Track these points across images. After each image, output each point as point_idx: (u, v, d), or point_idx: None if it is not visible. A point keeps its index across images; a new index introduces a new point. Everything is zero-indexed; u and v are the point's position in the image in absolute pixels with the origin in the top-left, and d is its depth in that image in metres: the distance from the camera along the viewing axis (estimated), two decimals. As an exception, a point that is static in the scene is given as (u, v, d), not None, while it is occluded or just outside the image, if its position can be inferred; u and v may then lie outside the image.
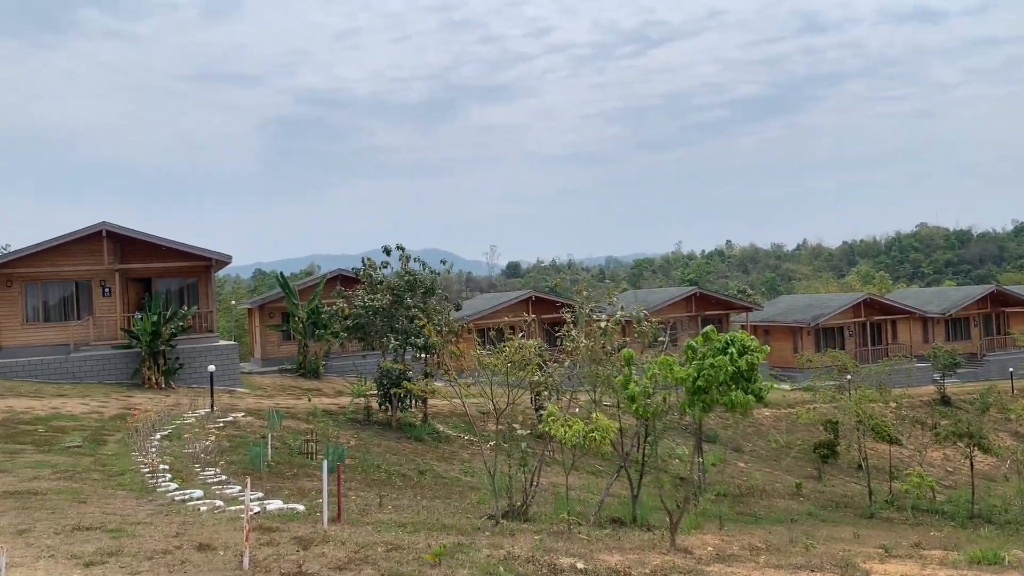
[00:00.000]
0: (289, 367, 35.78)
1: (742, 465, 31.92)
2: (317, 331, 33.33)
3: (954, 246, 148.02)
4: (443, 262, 27.15)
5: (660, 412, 10.46)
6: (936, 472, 34.08)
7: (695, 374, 9.97)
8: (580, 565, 8.15)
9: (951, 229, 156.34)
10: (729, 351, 9.93)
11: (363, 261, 26.00)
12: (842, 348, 43.49)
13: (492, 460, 12.81)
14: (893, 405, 32.85)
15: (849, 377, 33.42)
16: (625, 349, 10.75)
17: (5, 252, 29.58)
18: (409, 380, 19.28)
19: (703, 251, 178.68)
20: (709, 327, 10.35)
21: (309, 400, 27.24)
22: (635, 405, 10.32)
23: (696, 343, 10.24)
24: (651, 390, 10.30)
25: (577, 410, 14.46)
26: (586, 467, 27.07)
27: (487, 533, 10.25)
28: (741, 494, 27.05)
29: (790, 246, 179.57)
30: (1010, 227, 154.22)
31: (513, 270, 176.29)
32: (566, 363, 13.78)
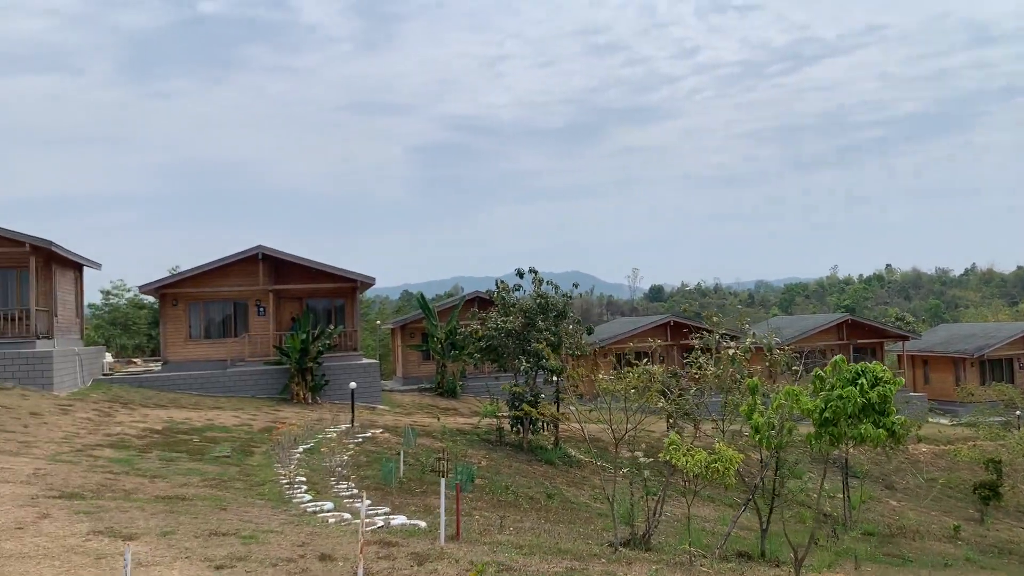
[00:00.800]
0: (428, 386, 36.78)
1: (894, 503, 29.97)
2: (454, 351, 34.12)
3: None
4: (575, 285, 27.16)
5: (785, 443, 10.01)
6: None
7: (822, 405, 9.51)
8: (691, 598, 7.92)
9: None
10: (859, 382, 9.41)
11: (497, 284, 26.44)
12: (1010, 382, 40.09)
13: (612, 487, 12.65)
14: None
15: (1018, 413, 30.84)
16: (751, 378, 10.37)
17: (173, 274, 32.07)
18: (535, 403, 19.35)
19: (860, 275, 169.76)
20: (838, 356, 9.85)
21: (438, 419, 27.93)
22: (759, 436, 9.94)
23: (825, 373, 9.77)
24: (775, 421, 9.89)
25: (700, 439, 14.05)
26: (724, 499, 26.24)
27: (603, 560, 10.14)
28: (891, 534, 25.38)
29: (957, 271, 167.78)
30: None
31: (656, 294, 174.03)
32: (692, 390, 13.45)
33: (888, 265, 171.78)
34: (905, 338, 43.35)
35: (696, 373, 13.79)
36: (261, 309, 31.29)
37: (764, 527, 12.73)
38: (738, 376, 13.16)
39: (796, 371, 15.60)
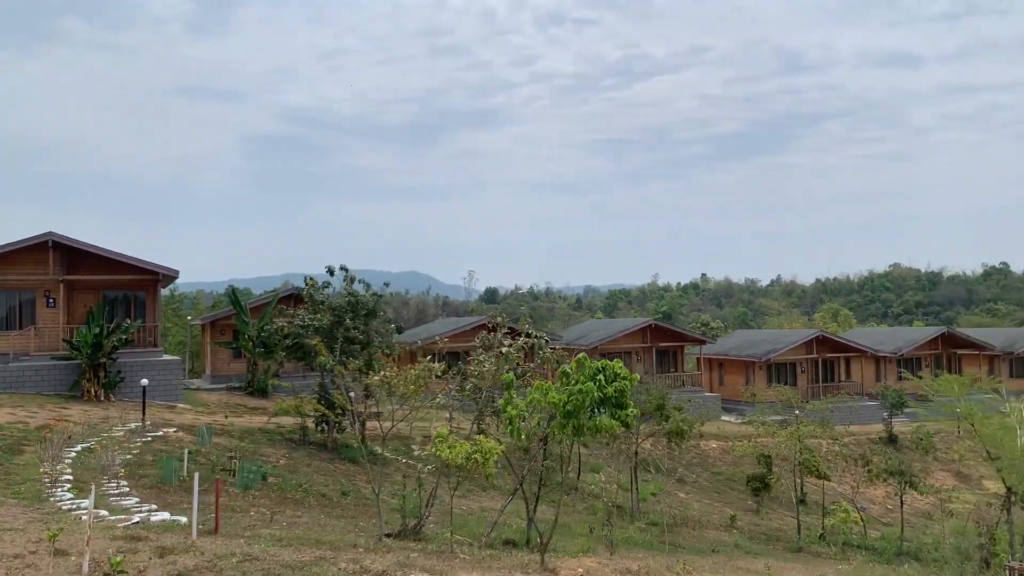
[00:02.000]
0: (237, 385, 35.73)
1: (683, 495, 32.17)
2: (264, 349, 33.38)
3: (925, 287, 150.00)
4: (386, 284, 27.38)
5: (534, 435, 10.72)
6: (876, 510, 34.51)
7: (566, 399, 10.27)
8: (424, 580, 8.37)
9: (923, 271, 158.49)
10: (598, 378, 10.25)
11: (305, 281, 26.20)
12: (794, 384, 44.01)
13: (378, 481, 12.99)
14: (830, 442, 33.34)
15: (797, 412, 33.85)
16: (506, 374, 11.01)
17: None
18: (332, 404, 19.37)
19: (679, 284, 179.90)
20: (581, 354, 10.66)
21: (225, 416, 27.41)
22: (511, 427, 10.59)
23: (570, 369, 10.55)
24: (526, 413, 10.58)
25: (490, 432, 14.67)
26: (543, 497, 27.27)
27: (360, 550, 10.44)
28: (674, 523, 27.25)
29: (764, 282, 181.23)
30: (980, 270, 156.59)
31: (491, 296, 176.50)
32: (467, 386, 14.03)
33: (703, 274, 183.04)
34: (703, 342, 46.62)
35: (474, 370, 14.39)
36: (51, 300, 29.30)
37: (531, 516, 13.49)
38: (517, 372, 13.85)
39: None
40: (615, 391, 10.28)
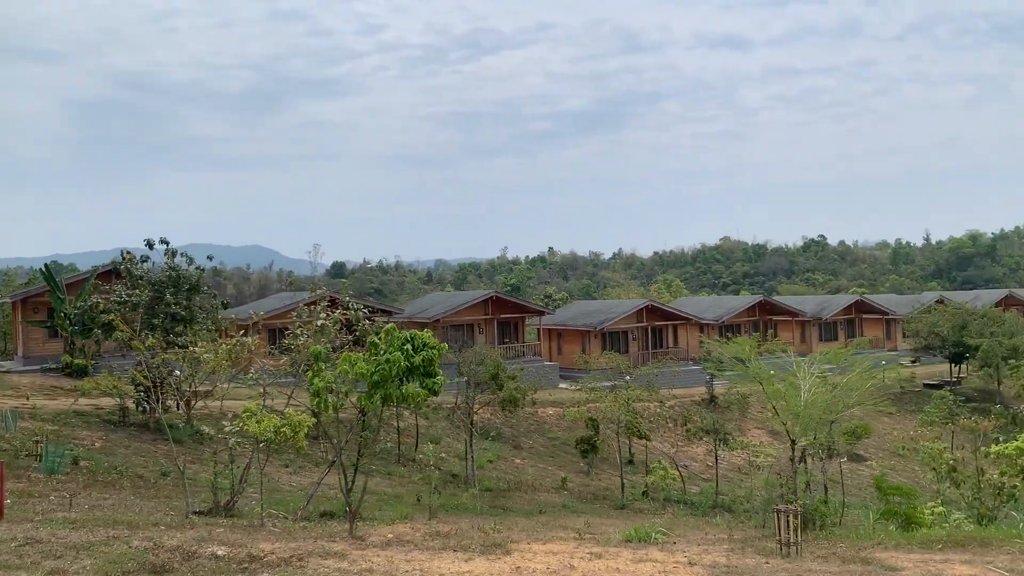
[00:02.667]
0: (54, 366, 33.54)
1: (519, 461, 33.18)
2: (82, 328, 31.47)
3: (751, 259, 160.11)
4: (209, 258, 26.45)
5: (341, 406, 10.83)
6: (697, 467, 36.89)
7: (373, 369, 10.43)
8: (220, 552, 8.36)
9: (749, 243, 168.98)
10: (405, 348, 10.47)
11: (122, 255, 24.88)
12: (626, 351, 46.14)
13: (183, 458, 12.73)
14: (657, 404, 35.27)
15: (628, 378, 35.51)
16: (315, 346, 11.04)
17: None
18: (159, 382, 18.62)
19: (527, 257, 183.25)
20: (390, 325, 10.85)
21: (28, 399, 25.84)
22: (318, 400, 10.65)
23: (379, 340, 10.70)
24: (334, 385, 10.66)
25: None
26: (363, 467, 27.31)
27: (161, 528, 10.24)
28: (508, 488, 28.15)
29: (607, 255, 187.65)
30: (800, 243, 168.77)
31: (338, 270, 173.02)
32: (282, 360, 13.93)
33: (550, 248, 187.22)
34: (541, 313, 48.01)
35: (290, 343, 14.29)
36: None
37: (348, 487, 13.59)
38: (331, 347, 13.80)
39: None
40: (423, 360, 10.54)
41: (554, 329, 49.08)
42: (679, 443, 36.39)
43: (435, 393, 10.74)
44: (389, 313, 43.70)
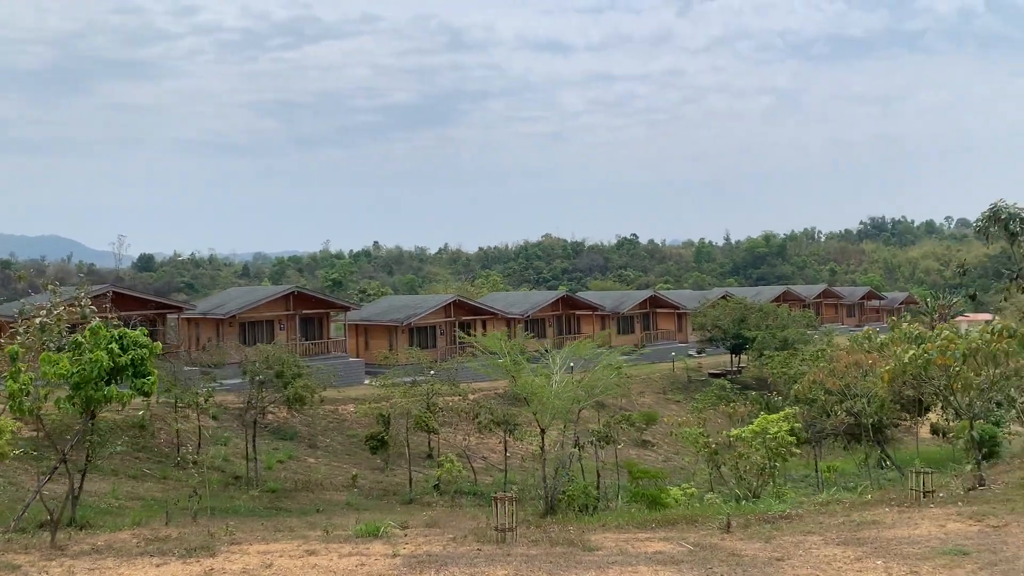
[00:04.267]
0: None
1: (312, 460, 32.59)
2: None
3: (570, 256, 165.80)
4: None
5: (35, 409, 10.18)
6: (495, 457, 37.75)
7: (74, 370, 9.88)
8: None
9: (568, 241, 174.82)
10: (111, 347, 9.99)
11: None
12: (434, 346, 46.44)
13: None
14: (458, 398, 35.74)
15: (432, 372, 35.68)
16: (11, 346, 10.30)
17: None
18: None
19: (351, 251, 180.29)
20: (96, 323, 10.32)
21: None
22: (13, 402, 9.96)
23: (84, 338, 10.16)
24: (30, 388, 10.00)
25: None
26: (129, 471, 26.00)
27: None
28: (295, 488, 27.61)
29: (433, 250, 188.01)
30: (614, 240, 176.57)
31: (146, 263, 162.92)
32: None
33: (375, 242, 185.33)
34: (347, 308, 47.41)
35: (4, 343, 13.23)
36: None
37: (75, 494, 12.85)
38: (53, 346, 12.91)
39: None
40: (132, 359, 10.10)
41: (361, 325, 48.58)
42: (481, 436, 37.07)
43: (146, 394, 10.34)
44: (179, 309, 41.63)
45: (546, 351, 18.25)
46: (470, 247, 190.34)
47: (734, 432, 19.38)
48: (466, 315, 49.14)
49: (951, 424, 28.49)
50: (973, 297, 33.59)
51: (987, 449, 17.68)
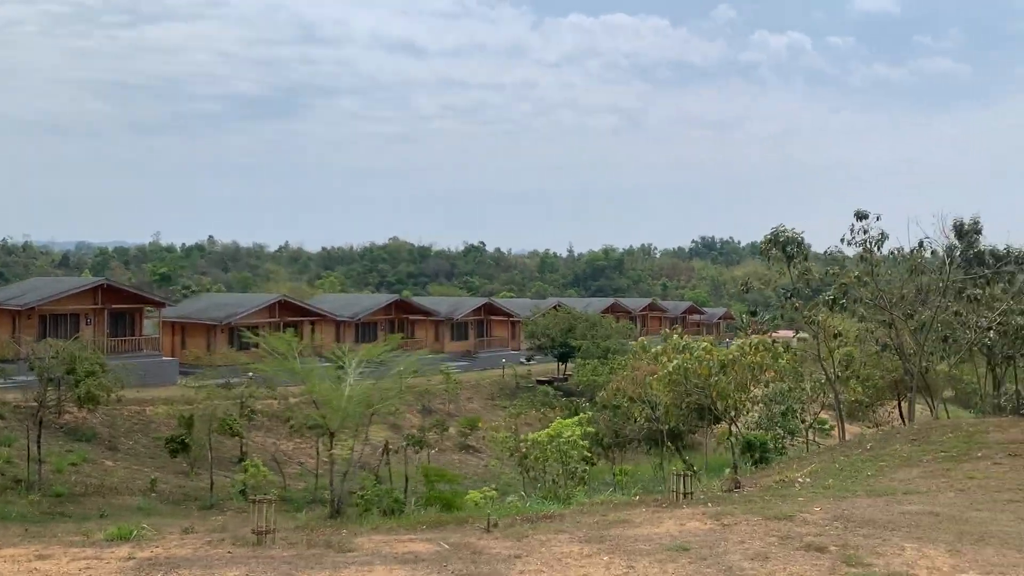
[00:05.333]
0: None
1: (111, 463, 30.79)
2: None
3: (416, 260, 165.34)
4: None
5: None
6: (313, 463, 37.02)
7: None
8: None
9: (415, 245, 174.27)
10: None
11: None
12: (256, 347, 44.95)
13: None
14: (277, 401, 34.82)
15: (250, 374, 34.46)
16: None
17: None
18: None
19: (184, 244, 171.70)
20: None
21: None
22: None
23: None
24: None
25: None
26: None
27: None
28: (85, 493, 26.01)
29: (273, 247, 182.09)
30: (462, 247, 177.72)
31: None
32: None
33: (210, 236, 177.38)
34: (161, 305, 45.06)
35: None
36: None
37: None
38: None
39: None
40: None
41: (178, 323, 46.33)
42: (299, 440, 36.21)
43: None
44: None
45: (344, 354, 18.06)
46: (313, 246, 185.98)
47: (531, 436, 19.93)
48: (293, 316, 47.90)
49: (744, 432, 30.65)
50: (754, 314, 36.25)
51: (758, 454, 19.07)
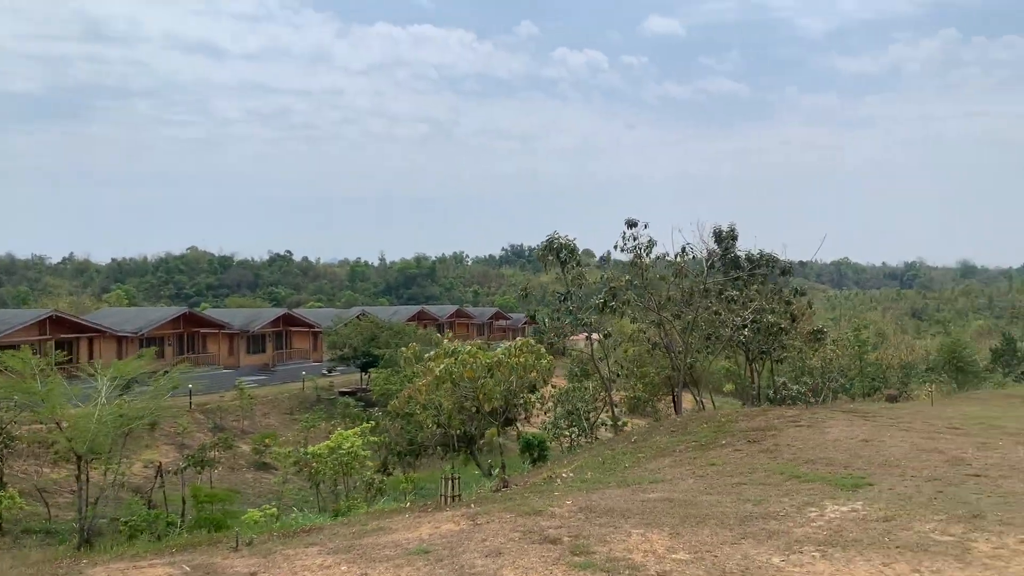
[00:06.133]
0: None
1: None
2: None
3: (216, 271, 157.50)
4: None
5: None
6: (94, 491, 34.13)
7: None
8: None
9: (216, 255, 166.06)
10: None
11: None
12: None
13: None
14: (40, 427, 31.74)
15: (17, 397, 31.12)
16: None
17: None
18: None
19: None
20: None
21: None
22: None
23: None
24: None
25: None
26: None
27: None
28: None
29: (55, 259, 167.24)
30: (267, 256, 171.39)
31: None
32: None
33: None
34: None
35: None
36: None
37: None
38: None
39: None
40: None
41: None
42: (71, 467, 33.21)
43: None
44: None
45: (97, 372, 16.77)
46: (102, 257, 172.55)
47: (310, 449, 19.44)
48: (67, 333, 44.07)
49: (538, 431, 31.52)
50: (532, 319, 37.58)
51: (537, 452, 19.67)
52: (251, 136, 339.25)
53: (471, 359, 12.97)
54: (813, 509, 9.91)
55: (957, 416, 22.18)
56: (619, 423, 28.00)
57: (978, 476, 11.16)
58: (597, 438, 25.81)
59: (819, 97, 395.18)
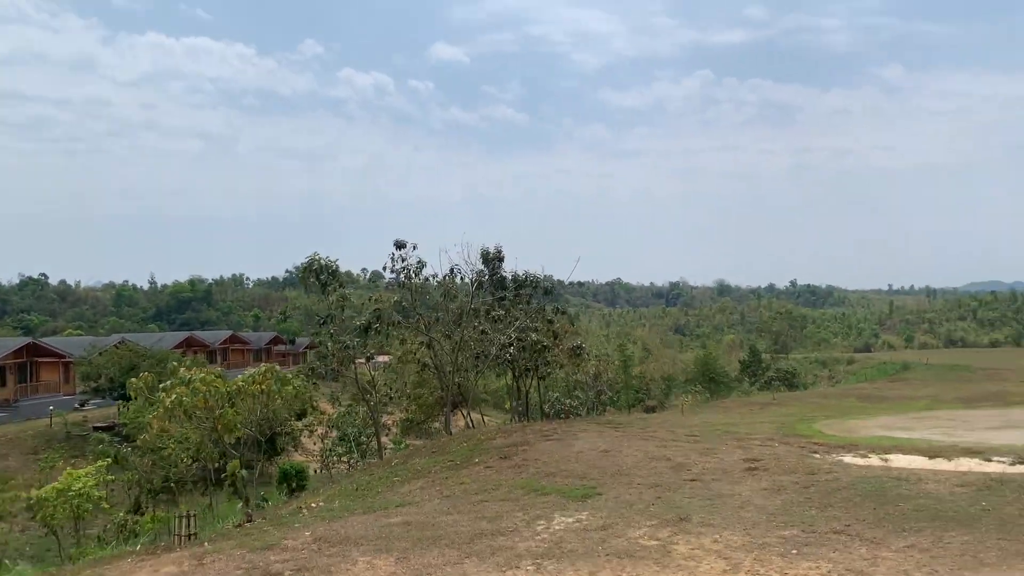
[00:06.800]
0: None
1: None
2: None
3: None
4: None
5: None
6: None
7: None
8: None
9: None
10: None
11: None
12: None
13: None
14: None
15: None
16: None
17: None
18: None
19: None
20: None
21: None
22: None
23: None
24: None
25: None
26: None
27: None
28: None
29: None
30: (16, 280, 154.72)
31: None
32: None
33: None
34: None
35: None
36: None
37: None
38: None
39: None
40: None
41: None
42: None
43: None
44: None
45: None
46: None
47: (36, 492, 17.51)
48: None
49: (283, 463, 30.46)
50: (292, 342, 36.79)
51: (296, 482, 18.92)
52: (3, 148, 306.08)
53: (205, 388, 12.17)
54: (542, 522, 10.18)
55: (699, 424, 24.00)
56: (401, 445, 27.76)
57: (694, 480, 12.01)
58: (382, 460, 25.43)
59: (593, 128, 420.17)
